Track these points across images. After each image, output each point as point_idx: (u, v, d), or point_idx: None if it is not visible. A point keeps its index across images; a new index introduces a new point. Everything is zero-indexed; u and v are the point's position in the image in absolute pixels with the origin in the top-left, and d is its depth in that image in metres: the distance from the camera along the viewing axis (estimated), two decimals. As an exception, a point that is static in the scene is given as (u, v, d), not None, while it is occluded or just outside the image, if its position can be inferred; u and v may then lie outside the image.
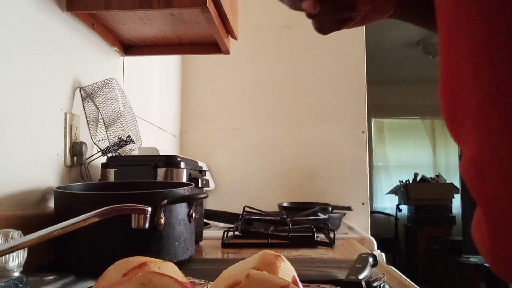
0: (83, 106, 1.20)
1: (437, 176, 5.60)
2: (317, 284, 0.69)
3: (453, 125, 0.37)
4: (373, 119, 5.94)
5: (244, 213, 1.54)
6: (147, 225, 0.65)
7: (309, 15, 0.55)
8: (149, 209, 0.65)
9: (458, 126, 0.36)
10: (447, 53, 0.36)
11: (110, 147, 1.21)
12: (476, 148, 0.33)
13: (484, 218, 0.33)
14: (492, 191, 0.32)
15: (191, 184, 1.01)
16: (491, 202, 0.33)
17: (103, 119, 1.22)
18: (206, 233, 1.43)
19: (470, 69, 0.33)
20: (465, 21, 0.33)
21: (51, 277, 0.80)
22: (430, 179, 5.50)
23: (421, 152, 6.03)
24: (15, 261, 0.69)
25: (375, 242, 1.56)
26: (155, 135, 2.00)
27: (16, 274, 0.69)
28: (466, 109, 0.34)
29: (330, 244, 1.29)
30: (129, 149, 1.27)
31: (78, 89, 1.19)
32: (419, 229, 5.20)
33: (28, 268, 0.75)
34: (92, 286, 0.57)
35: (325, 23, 0.56)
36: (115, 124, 1.23)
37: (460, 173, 0.36)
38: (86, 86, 1.21)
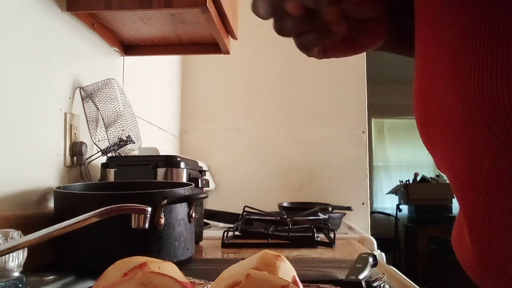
0: (83, 106, 1.20)
1: (437, 176, 5.59)
2: (317, 284, 0.69)
3: (423, 127, 0.35)
4: (373, 119, 5.94)
5: (244, 213, 1.54)
6: (147, 225, 0.65)
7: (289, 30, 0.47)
8: (149, 209, 0.65)
9: (428, 128, 0.35)
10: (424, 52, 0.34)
11: (110, 147, 1.21)
12: (452, 157, 0.32)
13: (467, 230, 0.32)
14: (473, 204, 0.31)
15: (191, 184, 1.01)
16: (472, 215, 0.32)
17: (103, 119, 1.21)
18: (206, 233, 1.43)
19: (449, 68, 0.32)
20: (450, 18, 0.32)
21: (51, 277, 0.80)
22: (430, 179, 5.49)
23: (421, 152, 6.01)
24: (15, 261, 0.69)
25: (375, 242, 1.56)
26: (155, 135, 2.00)
27: (16, 274, 0.69)
28: (439, 111, 0.33)
29: (330, 244, 1.29)
30: (129, 149, 1.27)
31: (78, 89, 1.19)
32: (419, 229, 5.19)
33: (28, 268, 0.75)
34: (92, 286, 0.57)
35: (310, 39, 0.48)
36: (115, 124, 1.23)
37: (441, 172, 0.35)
38: (86, 86, 1.21)
